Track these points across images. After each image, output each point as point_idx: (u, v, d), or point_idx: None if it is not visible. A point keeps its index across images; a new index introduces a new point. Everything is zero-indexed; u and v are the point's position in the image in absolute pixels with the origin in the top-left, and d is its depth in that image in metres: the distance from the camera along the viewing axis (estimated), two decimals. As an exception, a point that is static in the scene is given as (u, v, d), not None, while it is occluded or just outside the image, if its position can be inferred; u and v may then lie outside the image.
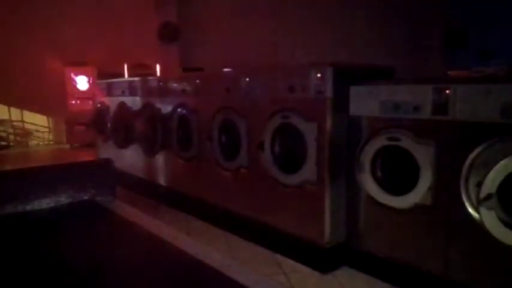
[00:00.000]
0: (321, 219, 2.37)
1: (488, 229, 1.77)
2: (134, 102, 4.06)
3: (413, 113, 2.05)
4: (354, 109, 2.33)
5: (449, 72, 2.10)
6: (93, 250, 2.58)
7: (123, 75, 5.23)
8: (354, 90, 2.33)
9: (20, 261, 2.42)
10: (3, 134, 6.69)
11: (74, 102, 6.68)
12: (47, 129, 7.02)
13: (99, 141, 4.83)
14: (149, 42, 6.51)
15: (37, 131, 6.93)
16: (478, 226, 1.82)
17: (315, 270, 2.41)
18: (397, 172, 2.17)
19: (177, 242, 2.73)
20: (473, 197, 1.84)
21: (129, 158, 4.24)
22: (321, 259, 2.42)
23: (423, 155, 2.00)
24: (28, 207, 3.13)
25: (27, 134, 6.85)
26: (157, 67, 5.46)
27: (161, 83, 3.73)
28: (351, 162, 2.33)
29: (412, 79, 2.19)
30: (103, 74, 5.38)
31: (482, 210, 1.76)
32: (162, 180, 3.84)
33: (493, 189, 1.74)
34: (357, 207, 2.37)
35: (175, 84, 3.54)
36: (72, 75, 6.66)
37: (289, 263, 2.52)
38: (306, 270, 2.43)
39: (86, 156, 5.74)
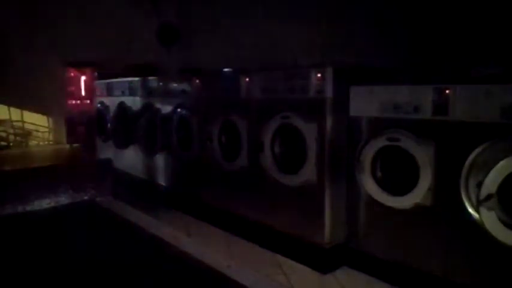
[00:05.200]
0: (321, 220, 2.37)
1: (488, 229, 1.77)
2: (134, 102, 4.06)
3: (413, 113, 2.05)
4: (354, 109, 2.33)
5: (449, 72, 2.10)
6: (93, 250, 2.58)
7: (123, 75, 5.23)
8: (354, 91, 2.33)
9: (20, 261, 2.42)
10: (3, 134, 6.68)
11: (74, 102, 6.67)
12: (47, 129, 7.01)
13: (99, 141, 4.83)
14: (149, 42, 6.51)
15: (37, 131, 6.92)
16: (478, 226, 1.82)
17: (315, 270, 2.41)
18: (397, 172, 2.17)
19: (177, 242, 2.74)
20: (473, 197, 1.84)
21: (129, 158, 4.24)
22: (321, 259, 2.42)
23: (423, 155, 2.00)
24: (28, 207, 3.14)
25: (27, 134, 6.84)
26: (157, 67, 5.46)
27: (161, 83, 3.73)
28: (351, 162, 2.33)
29: (412, 79, 2.19)
30: (103, 74, 5.37)
31: (483, 210, 1.76)
32: (162, 181, 3.84)
33: (493, 190, 1.74)
34: (357, 207, 2.37)
35: (175, 85, 3.54)
36: (72, 75, 6.65)
37: (289, 263, 2.52)
38: (306, 270, 2.43)
39: (86, 157, 5.72)
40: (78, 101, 6.63)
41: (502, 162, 1.72)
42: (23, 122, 6.79)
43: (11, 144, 6.73)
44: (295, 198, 2.53)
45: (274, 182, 2.62)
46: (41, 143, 6.97)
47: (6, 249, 2.60)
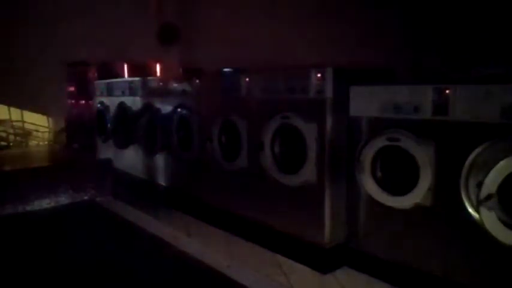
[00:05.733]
0: (321, 220, 2.37)
1: (488, 229, 1.77)
2: (134, 102, 4.06)
3: (414, 113, 2.05)
4: (354, 109, 2.33)
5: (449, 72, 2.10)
6: (93, 250, 2.58)
7: (123, 75, 5.23)
8: (354, 91, 2.33)
9: (21, 261, 2.42)
10: (3, 134, 6.69)
11: (74, 102, 6.67)
12: (47, 129, 7.02)
13: (99, 141, 4.83)
14: (149, 42, 6.51)
15: (37, 131, 6.93)
16: (478, 226, 1.82)
17: (315, 270, 2.41)
18: (397, 172, 2.17)
19: (177, 242, 2.74)
20: (473, 197, 1.84)
21: (129, 158, 4.24)
22: (321, 259, 2.42)
23: (423, 155, 2.00)
24: (28, 207, 3.14)
25: (27, 134, 6.84)
26: (157, 67, 5.46)
27: (161, 83, 3.73)
28: (351, 162, 2.33)
29: (412, 79, 2.20)
30: (103, 74, 5.38)
31: (483, 210, 1.76)
32: (162, 181, 3.84)
33: (493, 190, 1.74)
34: (357, 207, 2.37)
35: (175, 85, 3.54)
36: (73, 75, 6.65)
37: (289, 263, 2.52)
38: (306, 270, 2.43)
39: (86, 157, 5.73)
40: (78, 101, 6.63)
41: (502, 162, 1.72)
42: (23, 122, 6.79)
43: (11, 144, 6.73)
44: (295, 198, 2.53)
45: (274, 182, 2.62)
46: (41, 143, 6.97)
47: (6, 249, 2.60)
